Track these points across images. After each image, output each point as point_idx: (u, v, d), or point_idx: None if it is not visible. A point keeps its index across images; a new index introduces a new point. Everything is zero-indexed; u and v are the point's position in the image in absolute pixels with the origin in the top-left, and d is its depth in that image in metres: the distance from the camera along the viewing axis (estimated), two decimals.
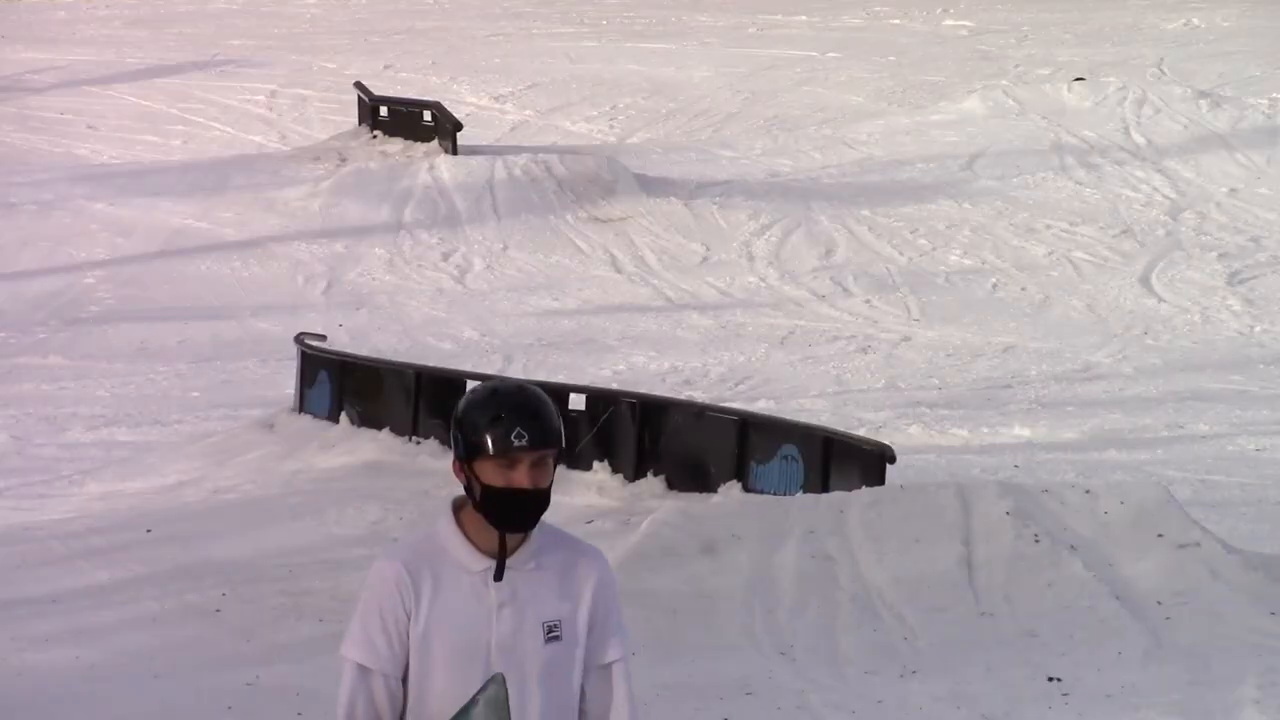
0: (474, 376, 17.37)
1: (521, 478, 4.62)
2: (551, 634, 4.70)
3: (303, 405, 17.97)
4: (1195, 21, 45.41)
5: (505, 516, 4.65)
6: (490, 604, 4.67)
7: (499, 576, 4.67)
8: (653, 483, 15.21)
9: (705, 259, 27.08)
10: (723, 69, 41.36)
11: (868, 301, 25.15)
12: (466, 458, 4.64)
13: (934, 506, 12.30)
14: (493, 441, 4.60)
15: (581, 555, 4.79)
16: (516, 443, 4.60)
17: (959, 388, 20.69)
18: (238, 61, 43.01)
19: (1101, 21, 46.30)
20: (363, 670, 4.70)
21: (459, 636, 4.66)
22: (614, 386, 19.19)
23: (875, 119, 35.58)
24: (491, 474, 4.62)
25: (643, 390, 18.20)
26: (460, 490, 4.73)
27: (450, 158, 30.47)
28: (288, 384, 19.15)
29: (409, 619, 4.66)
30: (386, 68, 41.96)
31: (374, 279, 26.44)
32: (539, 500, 4.65)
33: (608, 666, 4.79)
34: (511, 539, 4.68)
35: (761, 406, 18.96)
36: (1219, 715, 9.72)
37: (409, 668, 4.69)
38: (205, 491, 15.99)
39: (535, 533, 4.72)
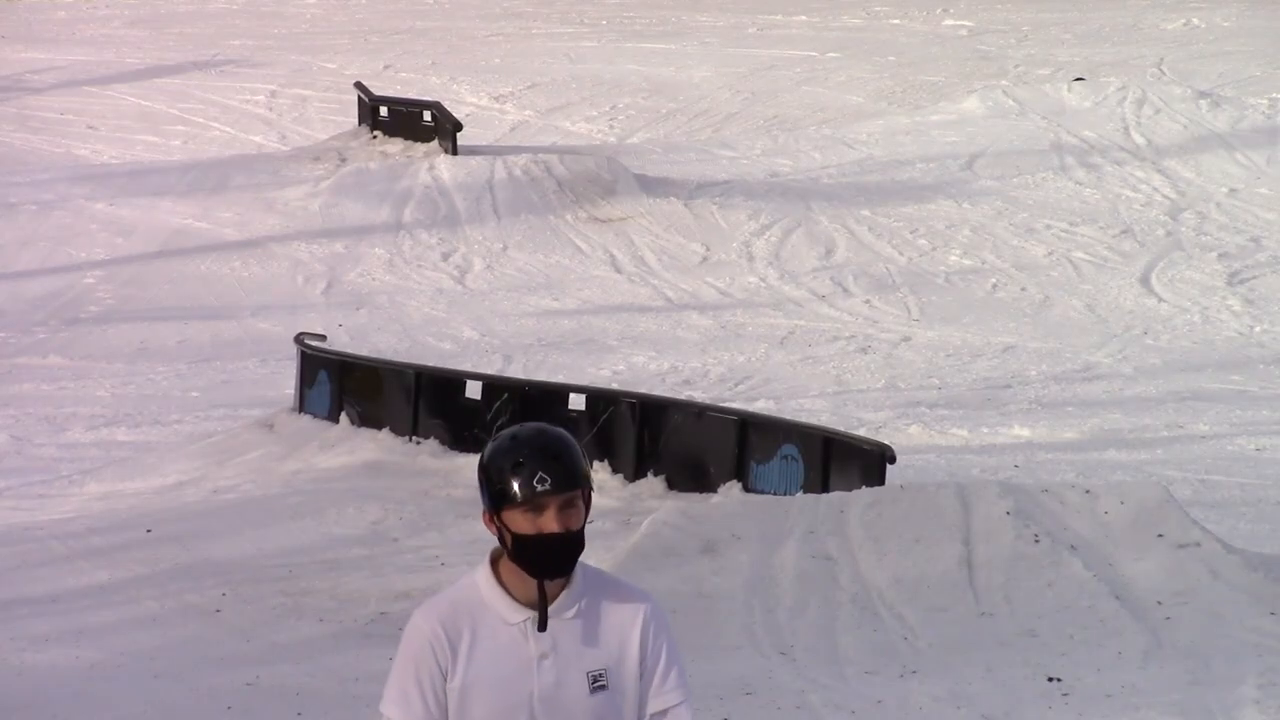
0: (474, 376, 17.39)
1: (550, 522, 4.50)
2: (597, 684, 4.56)
3: (303, 405, 17.97)
4: (1195, 21, 45.42)
5: (539, 564, 4.52)
6: (530, 656, 4.54)
7: (543, 626, 4.54)
8: (653, 483, 15.23)
9: (705, 259, 27.09)
10: (723, 69, 41.36)
11: (868, 301, 25.16)
12: (494, 508, 4.56)
13: (934, 506, 12.30)
14: (517, 488, 4.50)
15: (626, 598, 4.66)
16: (540, 487, 4.49)
17: (959, 388, 20.69)
18: (238, 61, 43.03)
19: (1101, 21, 46.31)
20: None
21: (499, 691, 4.54)
22: (614, 386, 19.20)
23: (875, 119, 35.60)
24: (520, 522, 4.51)
25: (643, 390, 18.20)
26: (496, 542, 4.62)
27: (450, 158, 30.48)
28: (288, 384, 19.16)
29: (445, 677, 4.55)
30: (386, 68, 41.97)
31: (374, 279, 26.45)
32: (571, 544, 4.52)
33: (663, 714, 4.64)
34: (551, 586, 4.56)
35: (761, 406, 18.96)
36: (1219, 715, 9.72)
37: None
38: (205, 491, 15.99)
39: (576, 578, 4.60)
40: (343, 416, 17.36)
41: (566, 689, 4.54)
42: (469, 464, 16.05)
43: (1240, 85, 37.27)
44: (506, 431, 4.60)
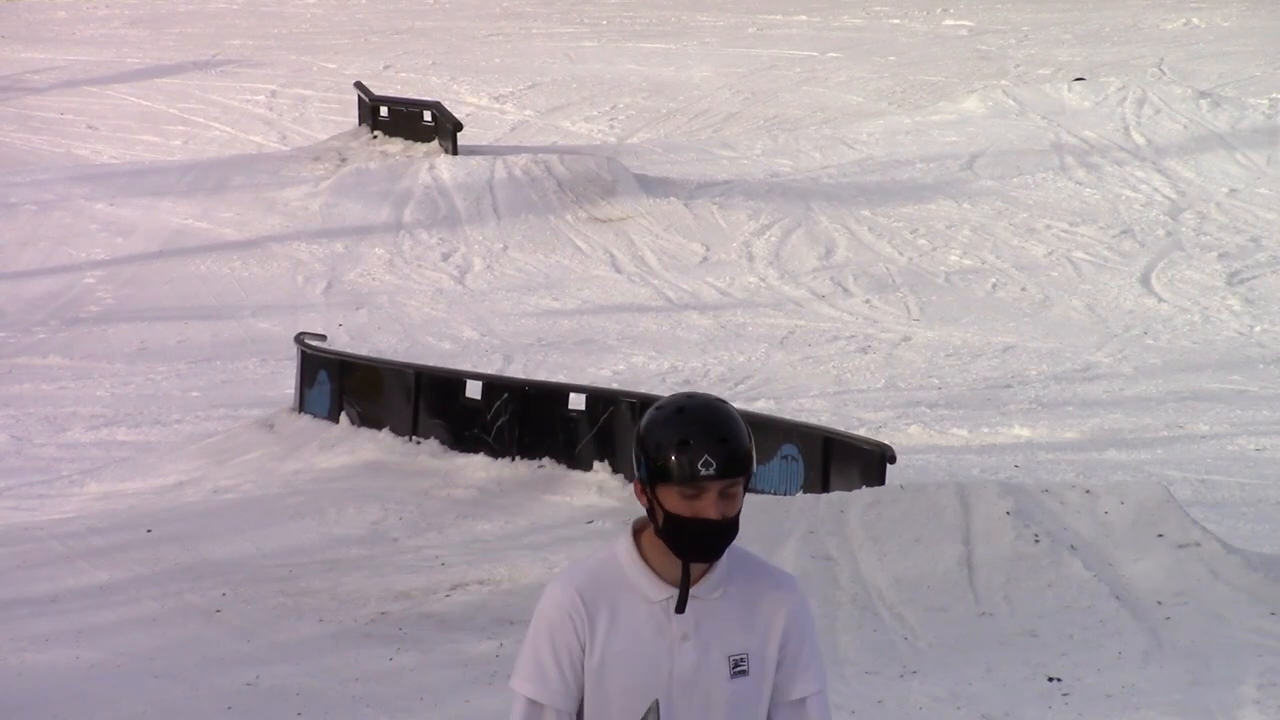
0: (474, 376, 17.39)
1: (708, 507, 4.27)
2: (738, 668, 4.38)
3: (303, 405, 17.97)
4: (1195, 21, 45.42)
5: (689, 547, 4.30)
6: (671, 636, 4.34)
7: (681, 609, 4.34)
8: None
9: (705, 259, 27.09)
10: (723, 69, 41.37)
11: (868, 301, 25.16)
12: (649, 481, 4.29)
13: (934, 506, 12.29)
14: (678, 468, 4.24)
15: (772, 583, 4.44)
16: (704, 471, 4.24)
17: (959, 388, 20.69)
18: (238, 61, 43.03)
19: (1101, 21, 46.32)
20: (534, 705, 4.36)
21: (637, 670, 4.34)
22: (614, 386, 19.20)
23: (875, 119, 35.60)
24: (676, 502, 4.26)
25: (643, 390, 18.20)
26: (641, 511, 4.40)
27: (450, 158, 30.49)
28: (288, 384, 19.16)
29: (583, 650, 4.34)
30: (386, 68, 41.97)
31: (374, 279, 26.45)
32: (727, 531, 4.30)
33: (800, 702, 4.44)
34: (696, 567, 4.35)
35: (761, 406, 18.96)
36: (1219, 715, 9.71)
37: (583, 702, 4.37)
38: (205, 491, 15.99)
39: (722, 558, 4.38)
40: (343, 416, 17.36)
41: (706, 672, 4.35)
42: (469, 464, 16.06)
43: (1240, 85, 37.28)
44: (672, 401, 4.33)
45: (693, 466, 4.24)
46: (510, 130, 36.97)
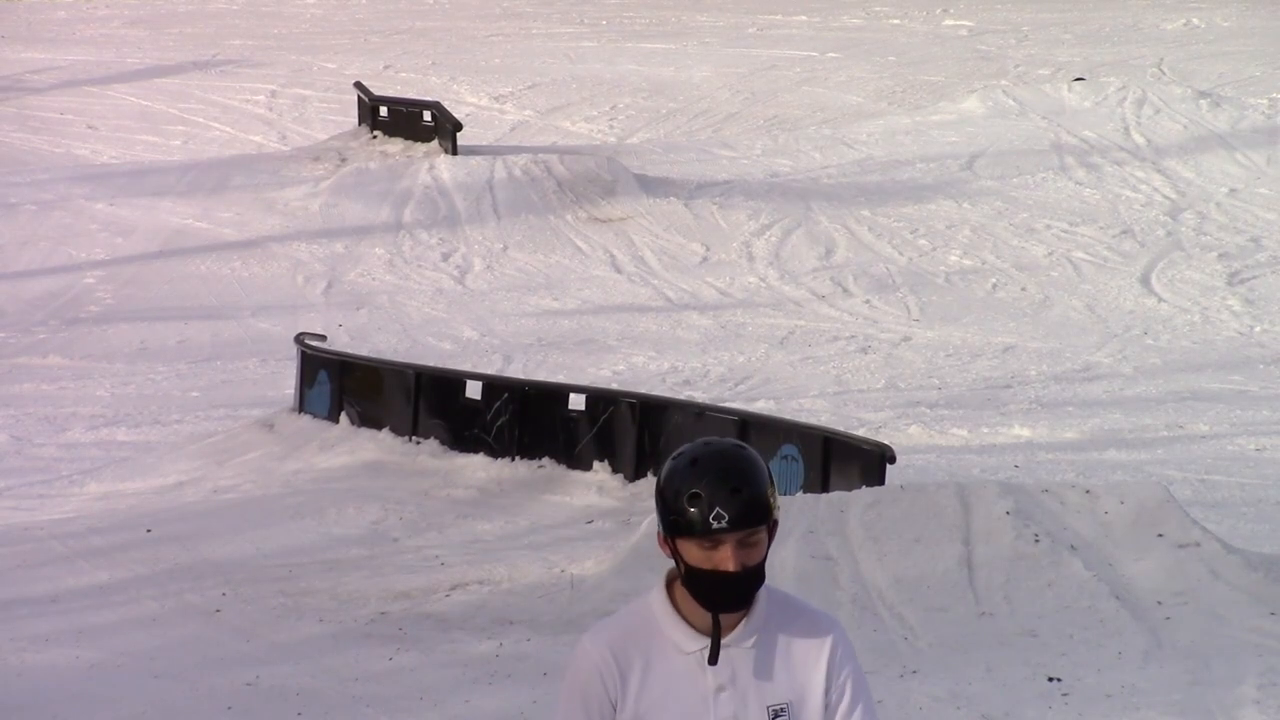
0: (474, 376, 17.38)
1: (726, 560, 4.18)
2: (778, 719, 4.30)
3: (303, 405, 17.97)
4: (1195, 21, 45.43)
5: (713, 599, 4.23)
6: (707, 688, 4.26)
7: (713, 660, 4.26)
8: (653, 483, 15.20)
9: (705, 259, 27.08)
10: (723, 69, 41.38)
11: (868, 301, 25.16)
12: (669, 534, 4.24)
13: (934, 506, 12.29)
14: (692, 521, 4.17)
15: (812, 627, 4.34)
16: (716, 524, 4.16)
17: (959, 388, 20.69)
18: (238, 61, 43.04)
19: (1101, 21, 46.33)
20: None
21: None
22: (614, 386, 19.20)
23: (875, 119, 35.61)
24: (695, 554, 4.19)
25: (643, 390, 18.20)
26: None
27: (450, 158, 30.50)
28: (288, 384, 19.16)
29: (615, 708, 4.29)
30: (386, 68, 41.97)
31: (374, 279, 26.45)
32: (748, 581, 4.22)
33: None
34: (729, 616, 4.27)
35: (761, 406, 18.95)
36: (1219, 715, 9.71)
37: None
38: (205, 491, 15.99)
39: (759, 603, 4.29)
40: (343, 416, 17.36)
41: None
42: (469, 464, 16.06)
43: (1240, 85, 37.30)
44: (688, 450, 4.30)
45: (705, 521, 4.17)
46: (510, 130, 36.98)
